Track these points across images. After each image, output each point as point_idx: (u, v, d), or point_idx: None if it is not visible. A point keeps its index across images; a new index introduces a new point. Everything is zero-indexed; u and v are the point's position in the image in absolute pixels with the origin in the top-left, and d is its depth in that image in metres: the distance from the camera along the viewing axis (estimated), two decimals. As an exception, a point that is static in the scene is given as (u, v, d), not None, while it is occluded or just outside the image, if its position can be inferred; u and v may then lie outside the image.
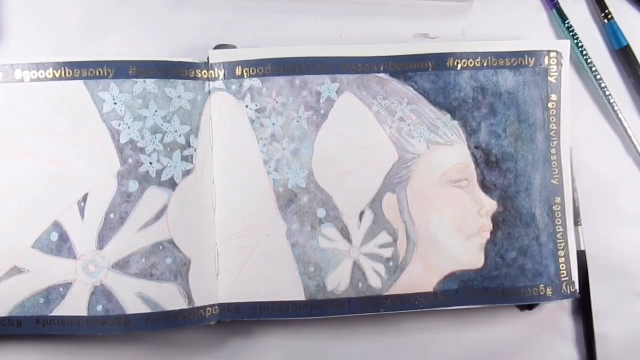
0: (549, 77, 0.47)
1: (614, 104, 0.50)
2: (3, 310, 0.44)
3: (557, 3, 0.50)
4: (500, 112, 0.47)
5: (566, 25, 0.50)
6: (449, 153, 0.47)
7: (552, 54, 0.47)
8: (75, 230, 0.44)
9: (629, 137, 0.50)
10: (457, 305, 0.46)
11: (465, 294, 0.46)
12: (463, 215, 0.47)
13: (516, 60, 0.47)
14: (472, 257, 0.47)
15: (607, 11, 0.50)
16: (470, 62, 0.47)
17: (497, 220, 0.47)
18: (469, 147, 0.47)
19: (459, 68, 0.46)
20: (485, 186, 0.47)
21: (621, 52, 0.50)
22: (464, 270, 0.46)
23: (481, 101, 0.47)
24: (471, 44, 0.47)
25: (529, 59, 0.47)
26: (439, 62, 0.47)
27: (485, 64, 0.47)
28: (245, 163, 0.46)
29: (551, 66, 0.47)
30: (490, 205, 0.47)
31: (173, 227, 0.45)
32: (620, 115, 0.50)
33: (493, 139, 0.47)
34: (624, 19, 0.50)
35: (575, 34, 0.50)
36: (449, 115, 0.47)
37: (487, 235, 0.47)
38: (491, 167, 0.47)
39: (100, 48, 0.48)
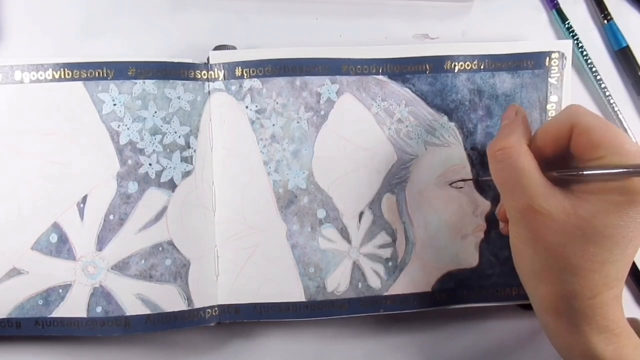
0: (549, 79, 0.47)
1: (614, 105, 0.50)
2: (2, 311, 0.44)
3: (557, 3, 0.50)
4: (496, 114, 0.47)
5: (566, 26, 0.50)
6: (446, 154, 0.47)
7: (554, 55, 0.47)
8: (74, 232, 0.44)
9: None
10: (454, 305, 0.47)
11: (461, 293, 0.47)
12: (459, 216, 0.47)
13: (514, 62, 0.47)
14: (467, 257, 0.47)
15: (606, 12, 0.51)
16: (468, 65, 0.47)
17: (491, 220, 0.47)
18: (466, 149, 0.47)
19: (456, 71, 0.47)
20: (480, 187, 0.47)
21: (621, 53, 0.51)
22: (460, 269, 0.47)
23: (478, 103, 0.47)
24: (470, 45, 0.47)
25: (528, 61, 0.47)
26: (436, 64, 0.47)
27: (482, 67, 0.47)
28: (245, 164, 0.46)
29: (552, 67, 0.47)
30: (485, 205, 0.47)
31: (173, 228, 0.44)
32: (620, 116, 0.50)
33: (489, 141, 0.47)
34: (623, 20, 0.51)
35: (576, 35, 0.50)
36: (446, 117, 0.47)
37: (482, 235, 0.47)
38: (486, 168, 0.47)
39: (100, 49, 0.47)
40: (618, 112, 0.50)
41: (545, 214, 0.36)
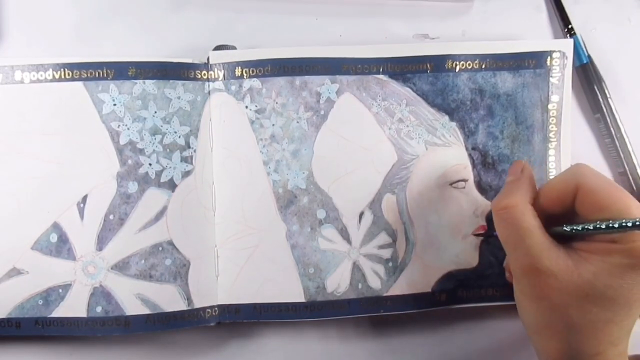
0: (550, 78, 0.47)
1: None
2: (2, 311, 0.44)
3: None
4: (498, 114, 0.47)
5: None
6: (447, 154, 0.47)
7: (555, 55, 0.47)
8: (74, 232, 0.44)
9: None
10: (454, 305, 0.47)
11: (461, 293, 0.47)
12: (460, 216, 0.47)
13: (516, 62, 0.47)
14: (467, 257, 0.47)
15: (570, 26, 0.50)
16: (469, 64, 0.47)
17: (491, 220, 0.46)
18: (467, 149, 0.47)
19: (457, 70, 0.46)
20: (481, 187, 0.47)
21: (581, 69, 0.50)
22: (460, 269, 0.47)
23: (479, 103, 0.47)
24: (471, 45, 0.47)
25: (530, 60, 0.47)
26: (437, 63, 0.46)
27: (484, 66, 0.47)
28: (245, 164, 0.45)
29: (554, 67, 0.47)
30: (485, 205, 0.47)
31: (173, 228, 0.45)
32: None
33: (490, 141, 0.47)
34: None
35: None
36: (447, 117, 0.47)
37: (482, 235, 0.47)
38: (488, 169, 0.47)
39: (100, 49, 0.47)
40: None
41: (548, 274, 0.36)
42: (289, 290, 0.45)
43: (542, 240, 0.37)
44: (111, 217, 0.44)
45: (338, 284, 0.46)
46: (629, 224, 0.34)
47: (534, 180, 0.40)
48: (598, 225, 0.35)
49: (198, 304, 0.45)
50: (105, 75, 0.44)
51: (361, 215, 0.46)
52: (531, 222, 0.37)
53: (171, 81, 0.45)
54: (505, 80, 0.47)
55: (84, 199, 0.44)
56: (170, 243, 0.44)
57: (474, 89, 0.47)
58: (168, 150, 0.44)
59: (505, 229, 0.38)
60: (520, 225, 0.37)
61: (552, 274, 0.36)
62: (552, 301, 0.36)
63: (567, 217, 0.38)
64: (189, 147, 0.45)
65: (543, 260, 0.36)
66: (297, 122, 0.46)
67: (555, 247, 0.37)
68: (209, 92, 0.45)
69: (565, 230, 0.37)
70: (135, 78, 0.44)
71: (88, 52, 0.47)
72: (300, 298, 0.45)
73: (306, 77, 0.46)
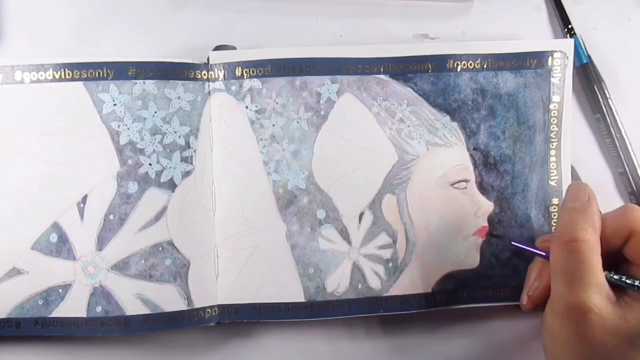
0: (552, 78, 0.47)
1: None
2: (2, 311, 0.44)
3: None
4: (499, 114, 0.47)
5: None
6: (448, 155, 0.47)
7: (556, 55, 0.47)
8: (74, 232, 0.44)
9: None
10: (454, 305, 0.47)
11: (461, 294, 0.47)
12: (461, 216, 0.47)
13: (517, 62, 0.47)
14: (468, 258, 0.47)
15: (570, 26, 0.50)
16: (470, 64, 0.46)
17: (493, 221, 0.47)
18: (468, 149, 0.47)
19: (458, 70, 0.46)
20: (483, 187, 0.47)
21: (581, 70, 0.49)
22: (460, 270, 0.47)
23: (481, 103, 0.47)
24: (472, 44, 0.47)
25: (531, 60, 0.47)
26: (438, 63, 0.46)
27: (485, 66, 0.47)
28: (245, 164, 0.45)
29: (555, 67, 0.47)
30: (487, 206, 0.47)
31: (173, 228, 0.44)
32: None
33: (492, 141, 0.47)
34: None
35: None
36: (448, 117, 0.47)
37: (483, 236, 0.47)
38: (489, 169, 0.47)
39: (100, 49, 0.47)
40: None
41: (597, 313, 0.36)
42: (289, 290, 0.45)
43: (601, 280, 0.36)
44: (111, 217, 0.44)
45: (338, 284, 0.46)
46: None
47: (600, 211, 0.39)
48: None
49: (198, 304, 0.44)
50: (105, 75, 0.44)
51: (361, 215, 0.46)
52: (598, 260, 0.37)
53: (171, 81, 0.45)
54: (507, 80, 0.47)
55: (84, 199, 0.44)
56: (170, 243, 0.44)
57: (476, 89, 0.47)
58: (168, 150, 0.44)
59: (568, 261, 0.37)
60: (587, 262, 0.36)
61: (601, 315, 0.36)
62: (594, 341, 0.36)
63: (610, 256, 0.38)
64: (189, 147, 0.45)
65: (596, 300, 0.36)
66: (297, 122, 0.46)
67: (608, 288, 0.37)
68: (209, 92, 0.45)
69: (612, 278, 0.37)
70: (135, 78, 0.44)
71: (88, 52, 0.47)
72: (300, 298, 0.45)
73: (306, 77, 0.46)
